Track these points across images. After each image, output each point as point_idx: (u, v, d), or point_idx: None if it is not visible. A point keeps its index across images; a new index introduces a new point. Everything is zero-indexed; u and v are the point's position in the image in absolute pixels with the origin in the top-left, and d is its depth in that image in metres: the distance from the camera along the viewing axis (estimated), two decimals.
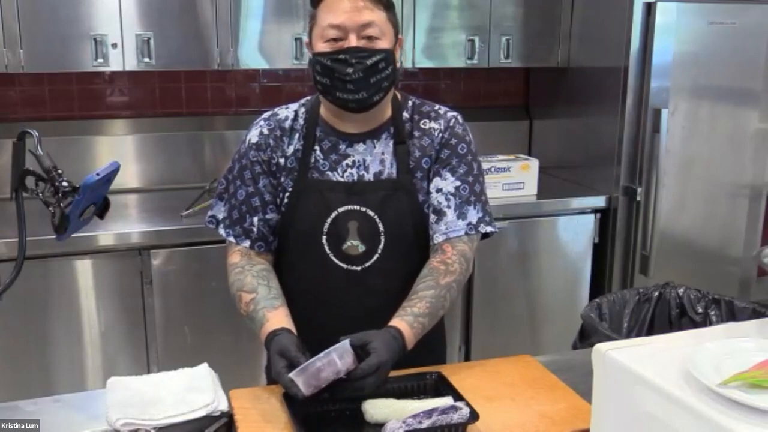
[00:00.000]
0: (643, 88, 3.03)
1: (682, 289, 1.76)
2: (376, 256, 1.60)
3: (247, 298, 1.56)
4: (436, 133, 1.64)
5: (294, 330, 1.49)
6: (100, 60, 2.78)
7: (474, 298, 3.11)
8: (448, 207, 1.60)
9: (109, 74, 3.15)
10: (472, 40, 3.22)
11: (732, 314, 1.68)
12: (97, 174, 1.28)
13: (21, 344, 2.61)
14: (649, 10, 2.97)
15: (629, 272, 3.19)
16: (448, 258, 1.57)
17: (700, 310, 1.73)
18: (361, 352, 1.35)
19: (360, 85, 1.53)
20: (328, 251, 1.60)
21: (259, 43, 2.98)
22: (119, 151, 3.17)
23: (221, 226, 1.67)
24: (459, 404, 1.30)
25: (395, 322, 1.46)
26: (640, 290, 1.78)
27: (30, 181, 1.31)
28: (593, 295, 3.19)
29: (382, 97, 1.57)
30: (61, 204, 1.27)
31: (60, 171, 1.30)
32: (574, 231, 3.21)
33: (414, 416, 1.26)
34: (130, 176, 3.20)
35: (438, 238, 1.59)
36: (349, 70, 1.51)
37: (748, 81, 3.16)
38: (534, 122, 3.75)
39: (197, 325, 2.77)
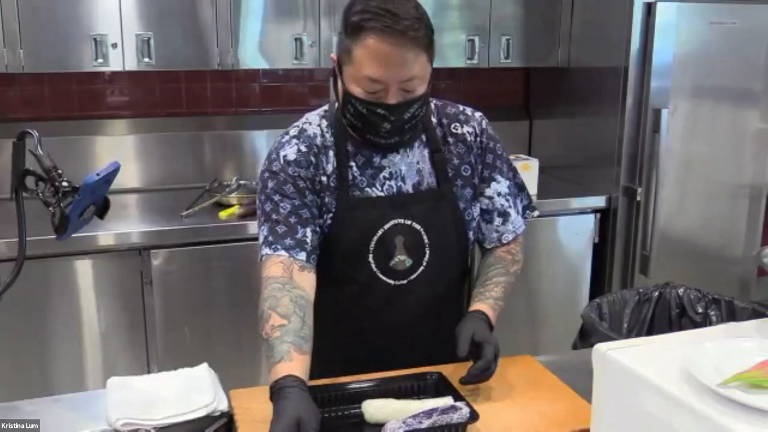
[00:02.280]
0: (643, 88, 3.03)
1: (682, 289, 1.76)
2: (421, 269, 1.57)
3: (277, 321, 1.36)
4: (471, 138, 1.62)
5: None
6: (100, 60, 2.78)
7: None
8: (510, 207, 1.67)
9: (109, 74, 3.15)
10: (472, 40, 3.22)
11: (732, 314, 1.68)
12: (97, 174, 1.28)
13: (21, 344, 2.61)
14: (649, 10, 2.96)
15: (629, 272, 3.18)
16: (512, 248, 1.69)
17: (700, 310, 1.73)
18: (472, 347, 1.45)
19: (394, 133, 1.48)
20: (375, 269, 1.55)
21: (259, 43, 2.98)
22: (119, 151, 3.16)
23: (264, 246, 1.49)
24: (459, 404, 1.30)
25: (479, 305, 1.55)
26: (640, 290, 1.78)
27: (30, 181, 1.31)
28: (593, 295, 3.19)
29: (414, 132, 1.55)
30: (61, 204, 1.27)
31: (60, 171, 1.30)
32: (574, 231, 3.21)
33: (414, 416, 1.25)
34: (130, 176, 3.19)
35: (508, 237, 1.68)
36: (386, 125, 1.45)
37: (749, 81, 3.16)
38: (534, 122, 3.75)
39: (197, 325, 2.77)
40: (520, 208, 1.71)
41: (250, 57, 2.98)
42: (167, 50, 2.85)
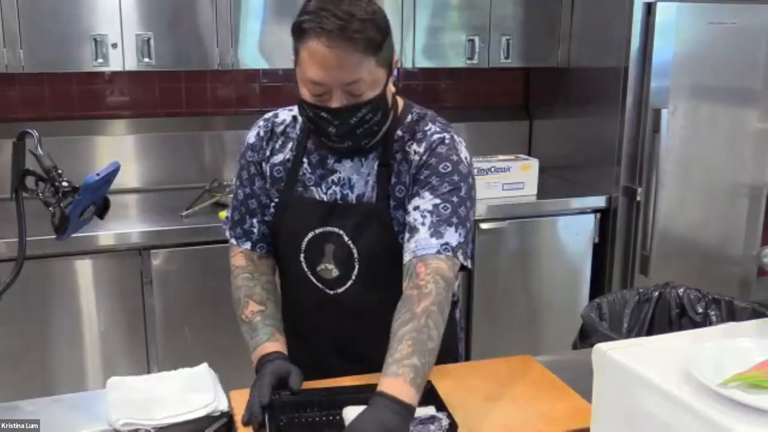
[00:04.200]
0: (643, 88, 3.03)
1: (682, 289, 1.76)
2: (350, 282, 1.53)
3: (255, 307, 1.54)
4: (415, 157, 1.49)
5: None
6: (100, 60, 2.78)
7: (474, 298, 3.11)
8: (422, 224, 1.41)
9: (109, 74, 3.15)
10: (472, 40, 3.22)
11: (732, 314, 1.68)
12: (97, 174, 1.28)
13: (21, 344, 2.61)
14: (649, 10, 2.97)
15: (629, 272, 3.19)
16: (420, 280, 1.35)
17: (700, 310, 1.73)
18: None
19: (345, 137, 1.44)
20: (306, 269, 1.56)
21: (259, 43, 2.98)
22: (119, 151, 3.16)
23: (227, 227, 1.65)
24: (439, 414, 1.27)
25: (381, 383, 1.23)
26: (640, 290, 1.78)
27: (30, 181, 1.31)
28: (593, 295, 3.19)
29: (372, 138, 1.48)
30: (61, 204, 1.27)
31: (60, 171, 1.29)
32: (574, 231, 3.21)
33: None
34: (130, 176, 3.19)
35: (407, 257, 1.40)
36: (332, 129, 1.42)
37: (748, 81, 3.16)
38: (534, 122, 3.75)
39: (197, 325, 2.77)
40: (446, 236, 1.40)
41: (250, 57, 2.98)
42: (167, 50, 2.85)
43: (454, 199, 1.44)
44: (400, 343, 1.27)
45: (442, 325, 1.33)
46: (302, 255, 1.55)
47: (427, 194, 1.44)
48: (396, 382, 1.21)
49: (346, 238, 1.51)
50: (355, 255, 1.51)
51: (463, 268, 1.44)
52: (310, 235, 1.53)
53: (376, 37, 1.36)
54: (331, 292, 1.54)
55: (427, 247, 1.39)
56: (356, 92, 1.38)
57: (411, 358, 1.24)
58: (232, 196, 1.68)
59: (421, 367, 1.24)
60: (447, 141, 1.49)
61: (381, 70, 1.40)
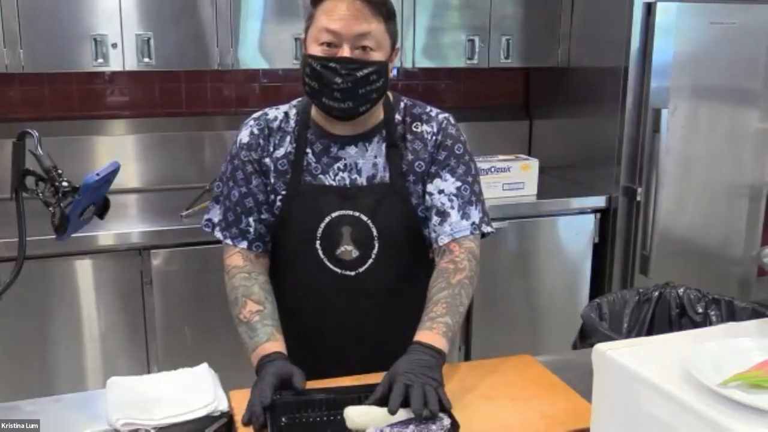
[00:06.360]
0: (643, 88, 3.03)
1: (682, 289, 1.76)
2: (369, 261, 1.59)
3: (254, 307, 1.54)
4: (428, 136, 1.62)
5: None
6: (100, 60, 2.78)
7: (474, 298, 3.10)
8: (452, 208, 1.59)
9: (109, 74, 3.15)
10: (472, 40, 3.22)
11: (732, 314, 1.68)
12: (97, 174, 1.28)
13: (21, 344, 2.61)
14: (649, 10, 2.97)
15: (629, 272, 3.19)
16: (456, 257, 1.56)
17: (700, 310, 1.73)
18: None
19: (347, 95, 1.50)
20: (321, 256, 1.59)
21: (259, 43, 2.98)
22: (119, 151, 3.16)
23: (217, 228, 1.65)
24: (440, 414, 1.27)
25: (417, 335, 1.42)
26: (640, 290, 1.78)
27: (30, 181, 1.31)
28: (593, 295, 3.19)
29: (369, 108, 1.55)
30: (61, 204, 1.27)
31: (60, 171, 1.29)
32: (574, 231, 3.21)
33: (391, 425, 1.23)
34: (130, 176, 3.19)
35: (443, 240, 1.57)
36: (338, 80, 1.48)
37: (748, 81, 3.16)
38: (534, 122, 3.75)
39: (197, 325, 2.77)
40: (472, 215, 1.60)
41: (250, 57, 2.98)
42: (167, 50, 2.85)
43: (469, 179, 1.62)
44: (435, 305, 1.47)
45: (471, 296, 1.54)
46: (318, 241, 1.58)
47: (448, 176, 1.60)
48: (430, 333, 1.41)
49: (364, 219, 1.58)
50: (375, 234, 1.59)
51: (483, 235, 1.64)
52: (327, 219, 1.58)
53: (388, 7, 1.52)
54: (352, 273, 1.59)
55: (462, 229, 1.58)
56: (365, 45, 1.48)
57: (444, 317, 1.45)
58: (217, 198, 1.66)
59: (452, 324, 1.45)
60: (452, 121, 1.66)
61: (388, 39, 1.53)
